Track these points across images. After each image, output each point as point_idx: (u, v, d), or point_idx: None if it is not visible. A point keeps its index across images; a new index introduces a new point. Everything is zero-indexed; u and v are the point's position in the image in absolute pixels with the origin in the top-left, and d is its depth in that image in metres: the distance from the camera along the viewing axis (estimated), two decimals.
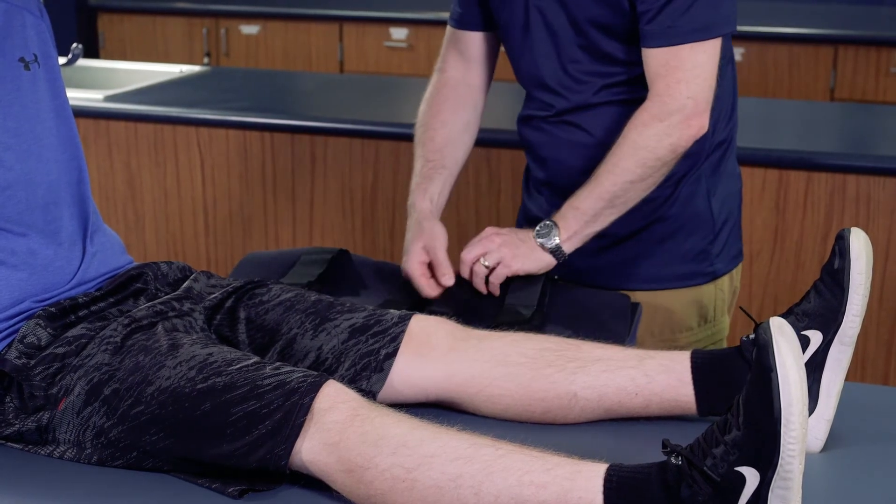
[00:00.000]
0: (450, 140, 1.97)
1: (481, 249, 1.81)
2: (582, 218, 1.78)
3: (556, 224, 1.79)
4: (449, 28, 2.05)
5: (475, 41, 2.01)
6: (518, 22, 1.89)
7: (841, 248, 1.50)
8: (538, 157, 1.97)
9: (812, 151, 2.64)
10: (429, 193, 1.92)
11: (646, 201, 1.85)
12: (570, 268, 1.92)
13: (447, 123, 1.99)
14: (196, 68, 3.66)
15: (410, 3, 4.99)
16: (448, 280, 1.83)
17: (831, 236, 2.60)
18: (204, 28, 5.07)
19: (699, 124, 1.75)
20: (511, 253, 1.79)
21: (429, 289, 1.83)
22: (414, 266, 1.84)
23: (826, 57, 4.28)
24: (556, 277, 1.88)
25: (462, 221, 2.81)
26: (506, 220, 2.76)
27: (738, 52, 4.32)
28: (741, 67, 4.34)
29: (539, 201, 1.98)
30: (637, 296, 1.90)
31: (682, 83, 1.74)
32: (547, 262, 1.80)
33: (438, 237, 1.85)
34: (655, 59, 1.76)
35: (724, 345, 2.03)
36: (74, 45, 3.14)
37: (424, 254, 1.85)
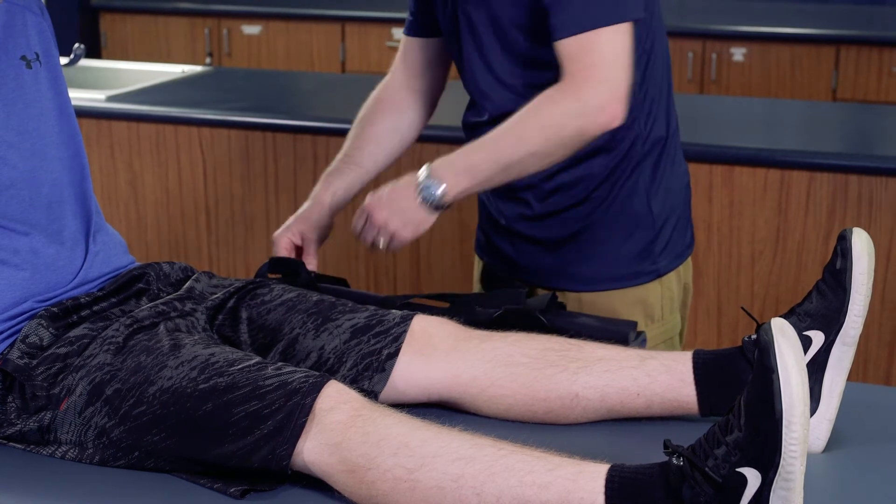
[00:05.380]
0: (373, 139, 1.98)
1: (372, 230, 1.79)
2: (476, 178, 1.74)
3: (440, 180, 1.74)
4: (402, 37, 2.05)
5: (419, 47, 2.00)
6: (449, 28, 1.89)
7: (843, 249, 1.50)
8: None
9: (814, 151, 2.64)
10: (333, 187, 1.93)
11: (583, 202, 1.86)
12: (514, 267, 1.95)
13: (375, 123, 1.99)
14: (198, 68, 3.66)
15: None
16: (309, 267, 1.86)
17: (833, 236, 2.60)
18: (206, 28, 5.07)
19: (613, 112, 1.69)
20: (400, 223, 1.76)
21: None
22: (282, 243, 1.89)
23: (828, 57, 4.28)
24: (559, 301, 1.88)
25: (464, 221, 2.82)
26: None
27: (740, 52, 4.33)
28: (743, 67, 4.34)
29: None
30: (581, 297, 1.89)
31: (597, 67, 1.69)
32: (433, 218, 1.76)
33: (319, 228, 1.90)
34: (568, 48, 1.71)
35: (677, 342, 2.02)
36: (77, 45, 3.14)
37: (299, 238, 1.90)
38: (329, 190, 1.93)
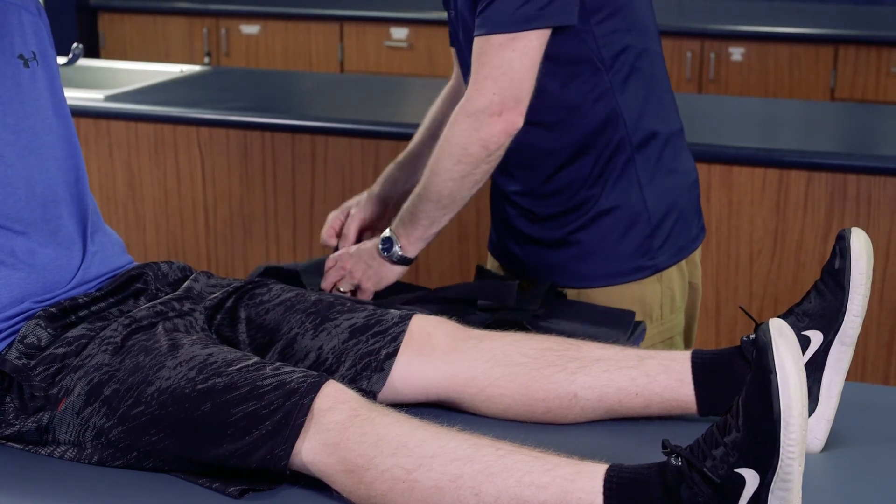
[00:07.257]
0: (431, 134, 2.09)
1: (336, 276, 1.92)
2: (420, 223, 1.86)
3: (395, 235, 1.87)
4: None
5: (455, 55, 2.06)
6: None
7: (841, 249, 1.50)
8: None
9: (812, 151, 2.64)
10: (393, 177, 2.09)
11: (578, 203, 1.88)
12: (520, 265, 1.97)
13: (427, 126, 2.13)
14: (196, 68, 3.66)
15: (411, 3, 4.99)
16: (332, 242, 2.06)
17: (832, 236, 2.60)
18: (204, 28, 5.07)
19: (508, 120, 1.76)
20: (362, 274, 1.90)
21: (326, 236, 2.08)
22: (331, 221, 2.07)
23: (826, 57, 4.28)
24: (562, 291, 1.88)
25: (464, 221, 2.81)
26: None
27: (739, 52, 4.33)
28: (741, 67, 4.34)
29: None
30: (580, 294, 1.91)
31: (489, 80, 1.75)
32: (398, 271, 1.90)
33: (367, 209, 2.07)
34: (474, 50, 1.78)
35: (678, 342, 2.02)
36: (75, 44, 3.14)
37: (345, 216, 2.07)
38: (390, 180, 2.09)
